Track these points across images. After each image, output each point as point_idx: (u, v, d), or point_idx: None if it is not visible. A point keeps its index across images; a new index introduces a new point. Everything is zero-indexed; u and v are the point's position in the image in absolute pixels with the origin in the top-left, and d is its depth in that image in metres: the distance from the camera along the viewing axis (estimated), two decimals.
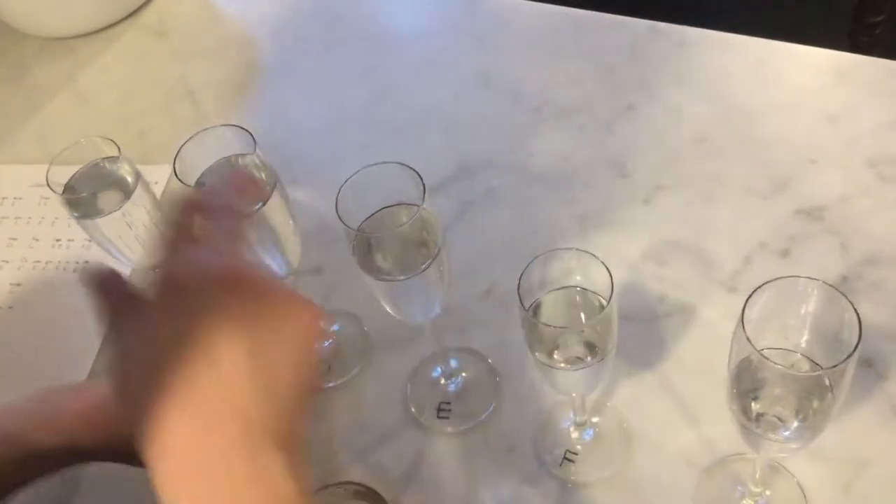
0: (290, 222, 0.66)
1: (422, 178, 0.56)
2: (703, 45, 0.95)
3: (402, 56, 1.05)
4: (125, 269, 0.85)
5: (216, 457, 0.40)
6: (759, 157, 0.83)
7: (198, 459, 0.40)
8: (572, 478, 0.66)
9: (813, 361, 0.50)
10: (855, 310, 0.45)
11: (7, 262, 0.91)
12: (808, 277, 0.48)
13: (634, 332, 0.73)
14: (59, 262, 0.90)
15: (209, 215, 0.47)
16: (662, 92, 0.91)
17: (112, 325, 0.45)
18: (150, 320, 0.43)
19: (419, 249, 0.59)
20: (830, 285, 0.47)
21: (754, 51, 0.93)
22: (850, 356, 0.44)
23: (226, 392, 0.40)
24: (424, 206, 0.56)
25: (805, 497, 0.62)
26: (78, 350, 0.81)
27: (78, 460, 0.60)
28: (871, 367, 0.67)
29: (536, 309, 0.56)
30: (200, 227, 0.47)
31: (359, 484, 0.58)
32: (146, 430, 0.40)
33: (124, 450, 0.44)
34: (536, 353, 0.56)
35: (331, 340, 0.78)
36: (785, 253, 0.76)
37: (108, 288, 0.46)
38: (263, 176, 0.63)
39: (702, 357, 0.70)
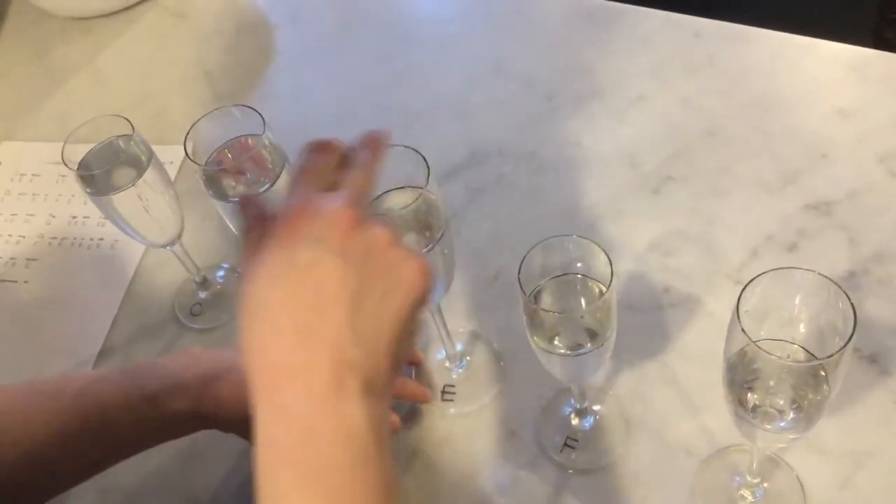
0: None
1: (426, 161, 0.56)
2: (718, 36, 0.94)
3: (416, 42, 1.05)
4: (139, 246, 0.87)
5: (301, 377, 0.41)
6: (769, 150, 0.83)
7: (286, 376, 0.41)
8: (572, 464, 0.67)
9: (809, 352, 0.50)
10: (850, 301, 0.45)
11: (24, 237, 0.92)
12: (805, 269, 0.48)
13: (639, 322, 0.73)
14: (75, 238, 0.91)
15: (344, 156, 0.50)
16: (675, 83, 0.91)
17: (245, 239, 0.47)
18: (271, 239, 0.44)
19: (423, 233, 0.59)
20: (826, 276, 0.47)
21: (770, 44, 0.92)
22: (844, 347, 0.44)
23: (326, 326, 0.41)
24: (429, 188, 0.56)
25: (803, 489, 0.62)
26: (90, 326, 0.83)
27: (201, 426, 0.63)
28: (874, 363, 0.67)
29: (538, 295, 0.57)
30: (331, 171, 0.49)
31: None
32: (247, 339, 0.42)
33: (242, 420, 0.47)
34: (536, 338, 0.56)
35: None
36: (792, 247, 0.75)
37: (246, 207, 0.49)
38: (272, 157, 0.63)
39: (705, 348, 0.70)
